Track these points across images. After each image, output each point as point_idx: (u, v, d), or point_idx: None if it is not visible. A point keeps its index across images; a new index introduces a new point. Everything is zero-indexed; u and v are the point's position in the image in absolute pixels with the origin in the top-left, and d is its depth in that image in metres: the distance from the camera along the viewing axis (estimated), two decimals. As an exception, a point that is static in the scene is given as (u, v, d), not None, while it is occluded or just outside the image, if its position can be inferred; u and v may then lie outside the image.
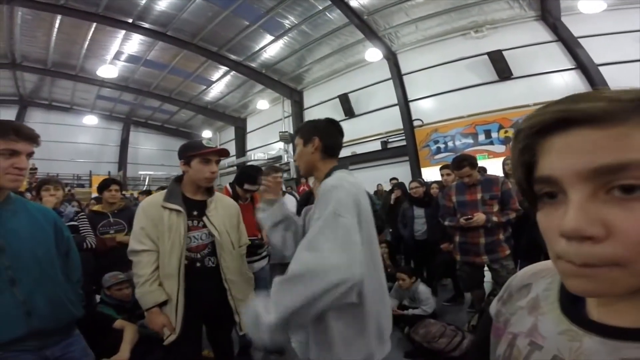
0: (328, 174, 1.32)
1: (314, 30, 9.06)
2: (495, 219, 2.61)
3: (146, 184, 14.65)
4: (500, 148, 7.80)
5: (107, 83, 12.07)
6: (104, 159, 15.80)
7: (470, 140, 8.26)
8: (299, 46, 9.77)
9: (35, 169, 11.74)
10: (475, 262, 2.77)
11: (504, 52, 7.72)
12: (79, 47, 10.03)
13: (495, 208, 2.67)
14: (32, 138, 1.22)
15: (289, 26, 8.89)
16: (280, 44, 9.76)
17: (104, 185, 2.90)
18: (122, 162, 15.99)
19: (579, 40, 7.20)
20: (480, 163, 3.33)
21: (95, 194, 7.91)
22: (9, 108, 13.55)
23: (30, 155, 1.23)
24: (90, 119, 14.70)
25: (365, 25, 8.42)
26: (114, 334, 2.18)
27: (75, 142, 14.87)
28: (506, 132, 7.77)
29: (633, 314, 0.35)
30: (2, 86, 12.47)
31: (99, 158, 15.62)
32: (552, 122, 0.33)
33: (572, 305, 0.40)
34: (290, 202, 3.30)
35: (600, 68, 6.95)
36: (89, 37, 9.49)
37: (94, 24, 8.87)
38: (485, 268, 2.91)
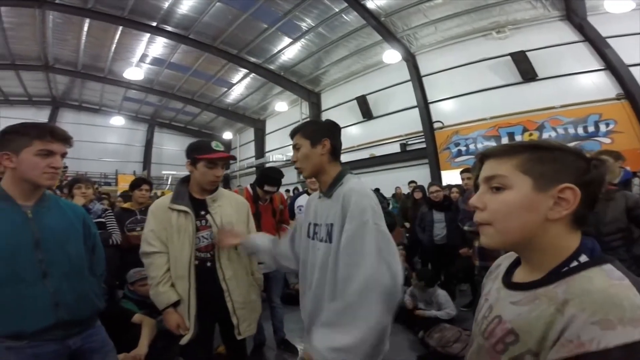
0: (338, 178, 1.31)
1: (331, 32, 9.08)
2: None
3: (169, 183, 15.07)
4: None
5: (133, 85, 12.54)
6: (130, 158, 16.42)
7: (493, 143, 8.02)
8: (316, 48, 9.83)
9: (66, 167, 12.36)
10: (495, 267, 2.71)
11: (527, 53, 7.47)
12: (106, 50, 10.48)
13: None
14: (66, 139, 1.30)
15: (306, 28, 8.96)
16: (298, 46, 9.84)
17: (135, 184, 3.03)
18: (147, 161, 16.59)
19: (607, 40, 6.88)
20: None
21: (121, 192, 8.25)
22: (43, 109, 14.33)
23: (63, 155, 1.30)
24: (118, 120, 15.29)
25: (382, 27, 8.36)
26: (134, 328, 2.25)
27: (103, 142, 15.53)
28: (531, 134, 7.51)
29: (522, 275, 0.64)
30: (37, 88, 13.20)
31: (125, 157, 16.25)
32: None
33: (507, 274, 0.68)
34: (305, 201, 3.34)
35: (631, 68, 6.63)
36: (115, 40, 9.90)
37: (120, 27, 9.24)
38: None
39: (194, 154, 1.68)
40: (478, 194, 0.64)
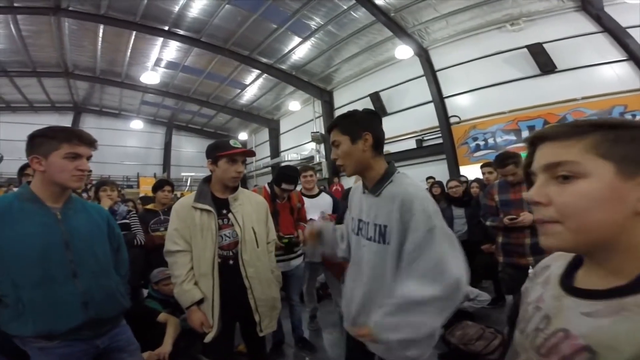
0: (387, 176, 1.24)
1: (341, 30, 9.02)
2: (544, 219, 2.46)
3: (188, 184, 15.37)
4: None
5: (150, 89, 12.82)
6: (150, 161, 16.84)
7: (513, 137, 7.81)
8: (326, 46, 9.78)
9: (90, 171, 12.81)
10: (520, 263, 2.62)
11: (544, 45, 7.24)
12: (122, 55, 10.73)
13: (543, 207, 2.52)
14: (91, 142, 1.34)
15: (316, 27, 8.93)
16: (308, 45, 9.83)
17: (158, 186, 3.12)
18: (166, 164, 16.98)
19: (628, 30, 6.58)
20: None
21: (142, 194, 8.48)
22: (66, 115, 14.87)
23: (89, 158, 1.34)
24: (137, 124, 15.70)
25: (392, 23, 8.23)
26: (159, 327, 2.31)
27: (124, 146, 15.98)
28: (551, 128, 7.29)
29: (593, 280, 0.52)
30: (59, 94, 13.68)
31: (145, 160, 16.67)
32: (533, 139, 0.56)
33: (566, 277, 0.58)
34: (325, 201, 3.33)
35: (655, 59, 6.31)
36: (130, 45, 10.13)
37: (134, 32, 9.45)
38: (530, 270, 2.76)
39: (214, 152, 1.72)
40: (537, 186, 0.53)
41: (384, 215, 1.19)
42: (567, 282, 0.56)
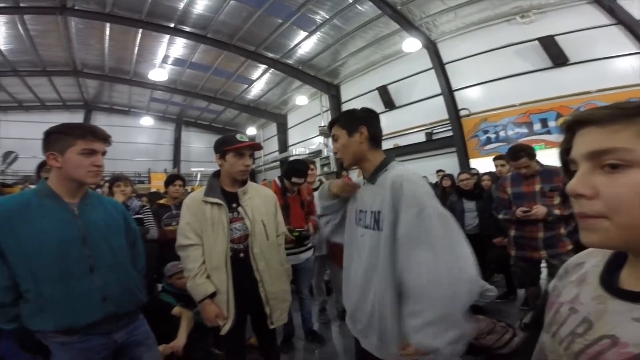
0: (382, 166, 1.31)
1: (346, 23, 8.93)
2: (557, 212, 2.42)
3: (198, 179, 15.52)
4: (559, 137, 7.14)
5: (158, 86, 12.90)
6: (160, 157, 17.04)
7: (525, 130, 7.68)
8: (332, 41, 9.70)
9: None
10: (533, 257, 2.60)
11: (556, 38, 7.08)
12: (130, 53, 10.80)
13: (557, 200, 2.48)
14: (106, 138, 1.36)
15: (321, 21, 8.85)
16: (314, 39, 9.75)
17: (169, 181, 3.16)
18: (176, 159, 17.15)
19: None
20: (537, 153, 3.12)
21: (154, 189, 8.58)
22: (77, 113, 15.10)
23: (104, 153, 1.35)
24: (146, 120, 15.86)
25: (399, 16, 8.11)
26: (173, 320, 2.34)
27: (135, 142, 16.15)
28: (565, 120, 7.14)
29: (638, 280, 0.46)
30: (69, 92, 13.88)
31: (155, 156, 16.87)
32: (572, 123, 0.49)
33: (608, 276, 0.51)
34: None
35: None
36: (137, 43, 10.18)
37: (140, 30, 9.49)
38: (543, 264, 2.72)
39: (222, 147, 1.74)
40: (580, 175, 0.46)
41: (379, 202, 1.24)
42: (610, 283, 0.50)
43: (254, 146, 1.81)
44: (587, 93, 6.81)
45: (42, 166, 2.50)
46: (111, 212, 1.46)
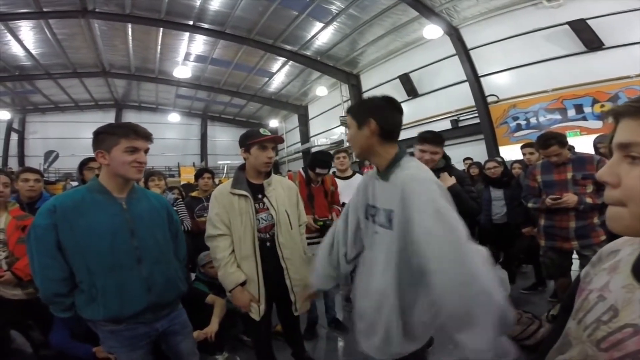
0: (395, 161, 1.21)
1: (363, 12, 8.79)
2: (589, 200, 2.33)
3: (225, 172, 15.91)
4: (596, 124, 6.79)
5: (182, 83, 13.32)
6: (188, 151, 17.70)
7: (558, 116, 7.33)
8: (349, 30, 9.60)
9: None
10: (563, 247, 2.51)
11: (588, 21, 6.66)
12: (153, 52, 11.19)
13: (590, 189, 2.37)
14: (147, 136, 1.43)
15: (336, 11, 8.77)
16: (330, 30, 9.68)
17: (198, 174, 3.31)
18: (204, 153, 17.79)
19: None
20: (572, 140, 2.97)
21: (184, 182, 8.92)
22: (109, 112, 15.89)
23: (146, 151, 1.42)
24: (174, 117, 16.45)
25: (418, 3, 7.88)
26: (206, 308, 2.46)
27: (164, 138, 16.80)
28: (602, 106, 6.73)
29: None
30: (100, 92, 14.60)
31: (184, 151, 17.54)
32: (615, 113, 0.49)
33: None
34: (352, 184, 3.36)
35: None
36: (159, 42, 10.53)
37: (161, 29, 9.80)
38: (574, 255, 2.64)
39: (246, 141, 1.79)
40: (609, 164, 0.49)
41: (391, 201, 1.17)
42: None
43: (276, 139, 1.86)
44: (626, 78, 6.43)
45: (84, 164, 2.64)
46: (155, 205, 1.53)
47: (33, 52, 10.41)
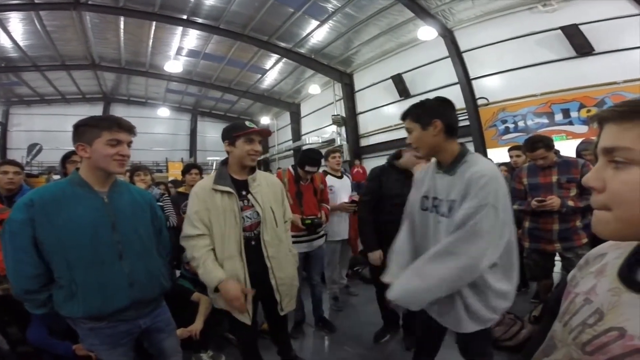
0: (461, 156, 1.36)
1: (359, 11, 8.76)
2: (571, 203, 2.38)
3: (214, 168, 15.75)
4: (582, 128, 6.92)
5: (173, 77, 13.07)
6: (177, 147, 17.46)
7: (545, 120, 7.46)
8: (345, 29, 9.55)
9: (129, 156, 13.43)
10: (547, 249, 2.57)
11: (580, 27, 6.78)
12: (145, 45, 10.95)
13: (573, 192, 2.43)
14: (130, 129, 1.40)
15: (333, 10, 8.71)
16: (326, 28, 9.63)
17: (186, 170, 3.27)
18: (193, 149, 17.54)
19: None
20: (558, 144, 3.03)
21: (172, 178, 8.79)
22: (96, 105, 15.54)
23: (129, 144, 1.39)
24: (163, 111, 16.18)
25: (414, 4, 7.89)
26: (190, 305, 2.44)
27: (152, 133, 16.53)
28: (589, 111, 6.86)
29: None
30: (89, 85, 14.26)
31: (172, 146, 17.29)
32: (598, 118, 0.50)
33: (627, 269, 0.50)
34: (347, 182, 3.44)
35: None
36: (152, 35, 10.30)
37: (154, 23, 9.59)
38: (557, 257, 2.69)
39: (231, 133, 1.74)
40: (594, 169, 0.49)
41: (455, 192, 1.30)
42: (628, 276, 0.49)
43: (263, 132, 1.82)
44: (613, 83, 6.56)
45: (66, 158, 2.60)
46: (138, 200, 1.51)
47: (21, 43, 10.10)
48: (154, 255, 1.51)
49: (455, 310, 1.34)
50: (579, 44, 6.88)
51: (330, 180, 3.31)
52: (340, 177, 3.41)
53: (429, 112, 1.36)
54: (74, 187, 1.34)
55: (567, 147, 3.84)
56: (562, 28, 6.98)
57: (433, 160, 1.51)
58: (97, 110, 15.17)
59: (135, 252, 1.39)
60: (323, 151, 3.24)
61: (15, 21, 9.10)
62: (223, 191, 1.70)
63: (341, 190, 3.28)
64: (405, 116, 1.43)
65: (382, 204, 2.37)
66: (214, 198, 1.69)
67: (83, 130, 1.33)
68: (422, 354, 1.67)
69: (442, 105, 1.39)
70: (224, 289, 1.60)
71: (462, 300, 1.32)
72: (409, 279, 1.30)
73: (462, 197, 1.25)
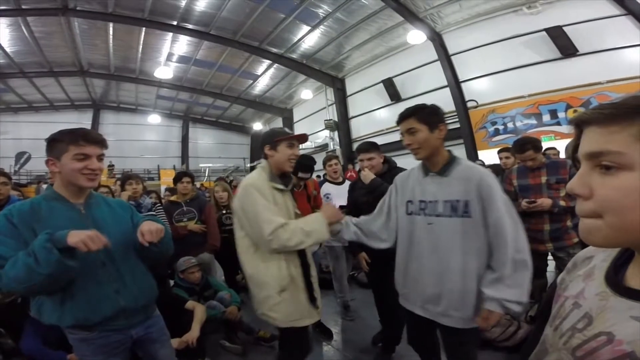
0: (452, 160, 1.45)
1: (349, 16, 8.88)
2: (562, 203, 2.42)
3: (207, 175, 15.61)
4: (569, 129, 7.10)
5: (164, 83, 13.05)
6: (169, 154, 17.29)
7: (534, 121, 7.62)
8: (336, 34, 9.66)
9: (113, 165, 13.25)
10: (539, 249, 2.59)
11: (564, 28, 6.96)
12: (134, 52, 10.91)
13: (563, 192, 2.47)
14: (99, 142, 1.35)
15: (323, 15, 8.83)
16: (317, 33, 9.73)
17: (177, 178, 3.22)
18: (185, 156, 17.38)
19: None
20: (547, 144, 3.08)
21: (164, 186, 8.70)
22: (85, 112, 15.36)
23: (100, 157, 1.35)
24: (154, 118, 16.05)
25: (403, 8, 8.04)
26: (186, 314, 2.41)
27: (143, 140, 16.44)
28: (575, 111, 7.02)
29: None
30: (78, 92, 14.09)
31: (164, 153, 17.12)
32: (578, 122, 0.48)
33: (613, 273, 0.50)
34: (343, 189, 3.37)
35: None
36: (141, 41, 10.27)
37: (144, 29, 9.56)
38: (550, 257, 2.73)
39: (273, 138, 1.74)
40: (579, 175, 0.46)
41: (461, 193, 1.37)
42: (615, 279, 0.49)
43: (303, 138, 1.86)
44: (597, 84, 6.73)
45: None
46: (116, 209, 1.49)
47: (7, 49, 9.98)
48: (139, 263, 1.49)
49: (467, 306, 1.39)
50: (563, 45, 7.06)
51: (328, 187, 3.29)
52: (341, 183, 3.38)
53: (437, 116, 1.43)
54: (50, 202, 1.33)
55: (557, 147, 3.91)
56: (547, 30, 7.16)
57: (417, 165, 1.57)
58: (86, 117, 15.02)
59: (118, 260, 1.38)
60: (316, 157, 3.22)
61: (2, 27, 9.01)
62: (278, 188, 1.71)
63: (339, 196, 3.23)
64: (408, 116, 1.44)
65: (358, 211, 2.40)
66: (273, 194, 1.68)
67: (53, 145, 1.30)
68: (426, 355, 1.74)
69: (441, 112, 1.47)
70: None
71: (476, 294, 1.37)
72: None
73: (479, 199, 1.34)
